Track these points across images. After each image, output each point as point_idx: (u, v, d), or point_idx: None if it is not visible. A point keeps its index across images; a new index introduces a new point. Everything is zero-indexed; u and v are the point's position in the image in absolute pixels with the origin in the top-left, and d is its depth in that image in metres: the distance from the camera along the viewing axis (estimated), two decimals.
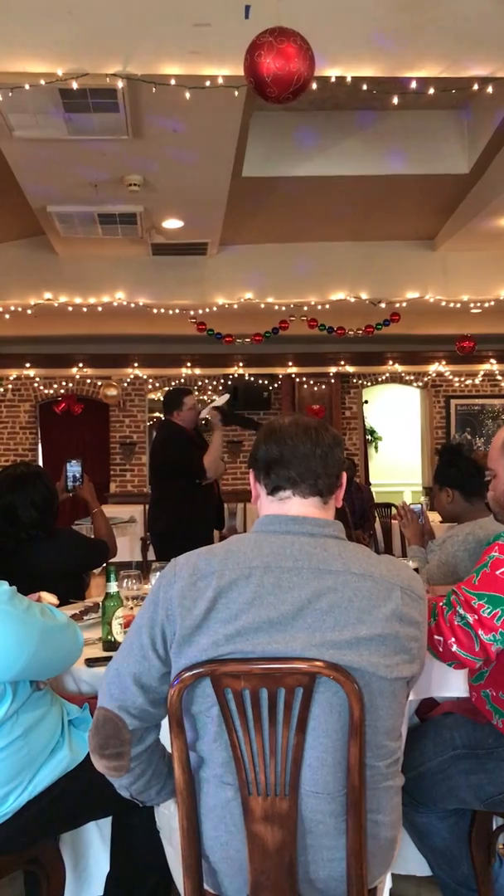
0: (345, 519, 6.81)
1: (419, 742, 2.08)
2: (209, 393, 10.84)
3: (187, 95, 4.17)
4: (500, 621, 1.73)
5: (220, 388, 10.77)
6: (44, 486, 2.98)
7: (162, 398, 5.33)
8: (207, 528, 4.97)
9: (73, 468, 3.66)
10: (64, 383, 10.68)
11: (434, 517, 3.66)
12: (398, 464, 12.34)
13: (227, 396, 5.26)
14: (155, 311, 8.13)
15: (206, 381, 10.79)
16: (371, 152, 6.03)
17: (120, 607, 2.47)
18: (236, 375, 10.66)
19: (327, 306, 8.08)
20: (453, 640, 1.78)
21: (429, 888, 2.33)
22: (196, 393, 6.65)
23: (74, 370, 10.54)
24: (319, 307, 8.11)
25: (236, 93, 4.21)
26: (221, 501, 5.23)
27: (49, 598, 2.32)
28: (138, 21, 3.92)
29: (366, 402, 11.58)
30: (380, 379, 11.27)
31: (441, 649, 1.80)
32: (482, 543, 2.74)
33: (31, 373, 10.55)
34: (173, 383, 10.74)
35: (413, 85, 4.31)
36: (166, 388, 10.68)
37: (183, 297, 8.00)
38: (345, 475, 1.65)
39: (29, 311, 7.92)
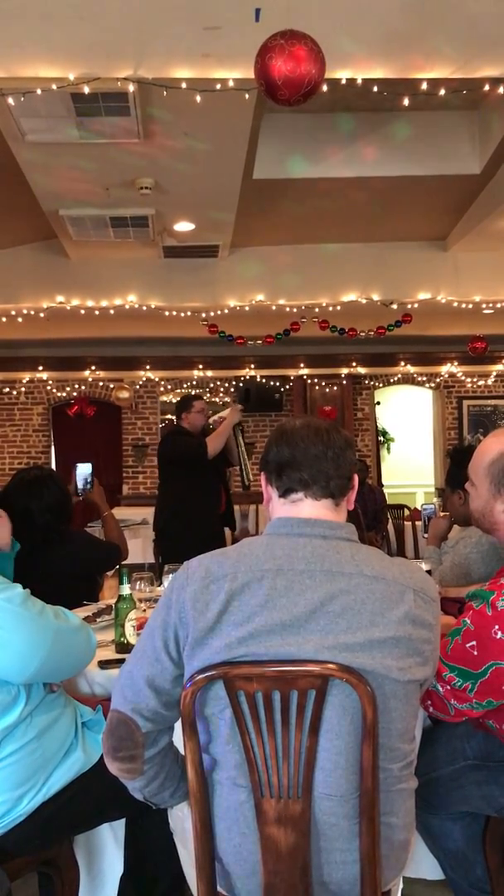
0: (357, 520, 6.81)
1: (430, 748, 2.07)
2: (221, 394, 10.86)
3: (198, 98, 4.19)
4: (473, 693, 1.71)
5: (233, 390, 10.78)
6: (58, 489, 3.00)
7: (174, 400, 5.38)
8: (209, 526, 4.97)
9: (84, 471, 3.63)
10: (76, 386, 10.72)
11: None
12: (411, 465, 12.31)
13: (239, 408, 5.24)
14: (167, 313, 8.15)
15: (218, 382, 10.81)
16: (382, 153, 6.02)
17: (133, 609, 2.47)
18: (248, 377, 10.67)
19: (339, 308, 8.07)
20: (429, 702, 1.79)
21: (441, 892, 2.33)
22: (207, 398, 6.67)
23: (87, 373, 10.58)
24: (331, 308, 8.10)
25: (247, 95, 4.22)
26: (231, 502, 5.25)
27: None
28: (149, 25, 3.93)
29: (378, 403, 11.56)
30: (392, 380, 11.25)
31: (422, 705, 1.82)
32: (495, 546, 2.74)
33: (44, 375, 10.59)
34: (185, 385, 10.76)
35: (424, 86, 4.30)
36: (178, 391, 10.73)
37: (194, 300, 8.01)
38: (356, 477, 1.65)
39: (41, 315, 7.96)
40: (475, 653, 1.70)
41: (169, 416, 10.65)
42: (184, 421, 4.97)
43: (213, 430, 5.04)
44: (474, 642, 1.71)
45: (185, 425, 4.97)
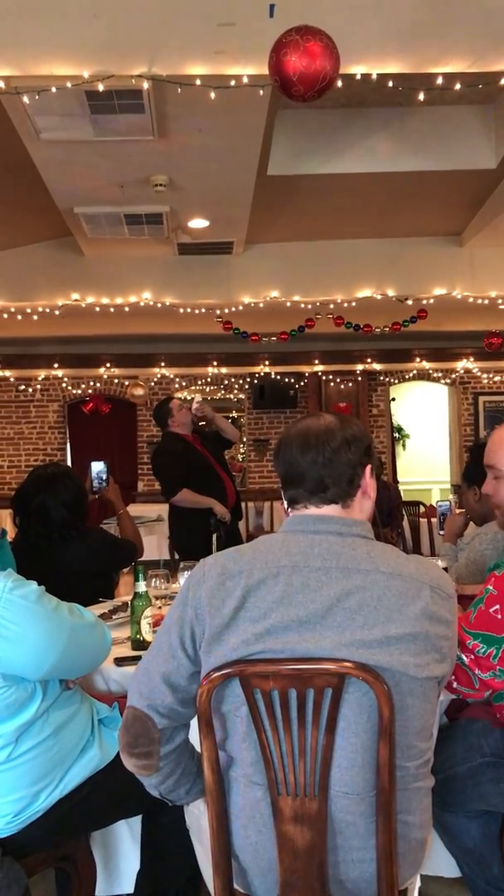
0: (372, 517, 6.78)
1: (447, 745, 2.06)
2: (235, 391, 10.86)
3: (212, 95, 4.18)
4: (497, 660, 1.71)
5: (247, 387, 10.78)
6: (74, 486, 3.00)
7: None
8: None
9: (98, 470, 3.67)
10: (92, 383, 10.74)
11: None
12: (426, 461, 12.27)
13: (199, 397, 5.31)
14: (181, 310, 8.15)
15: (233, 379, 10.80)
16: (397, 149, 6.00)
17: (149, 606, 2.48)
18: (262, 374, 10.66)
19: (354, 304, 8.05)
20: (453, 677, 1.78)
21: (459, 889, 2.32)
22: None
23: (102, 370, 10.60)
24: (346, 305, 8.08)
25: (261, 92, 4.21)
26: (237, 492, 5.17)
27: None
28: (163, 22, 3.93)
29: (393, 399, 11.51)
30: (407, 376, 11.21)
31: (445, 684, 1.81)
32: None
33: (60, 373, 10.63)
34: (199, 382, 10.77)
35: (439, 81, 4.28)
36: (193, 388, 10.73)
37: (209, 297, 8.01)
38: (367, 468, 1.61)
39: (57, 312, 7.99)
40: (499, 616, 1.71)
41: None
42: (173, 427, 4.91)
43: (202, 420, 5.04)
44: (498, 606, 1.72)
45: (176, 431, 4.90)
